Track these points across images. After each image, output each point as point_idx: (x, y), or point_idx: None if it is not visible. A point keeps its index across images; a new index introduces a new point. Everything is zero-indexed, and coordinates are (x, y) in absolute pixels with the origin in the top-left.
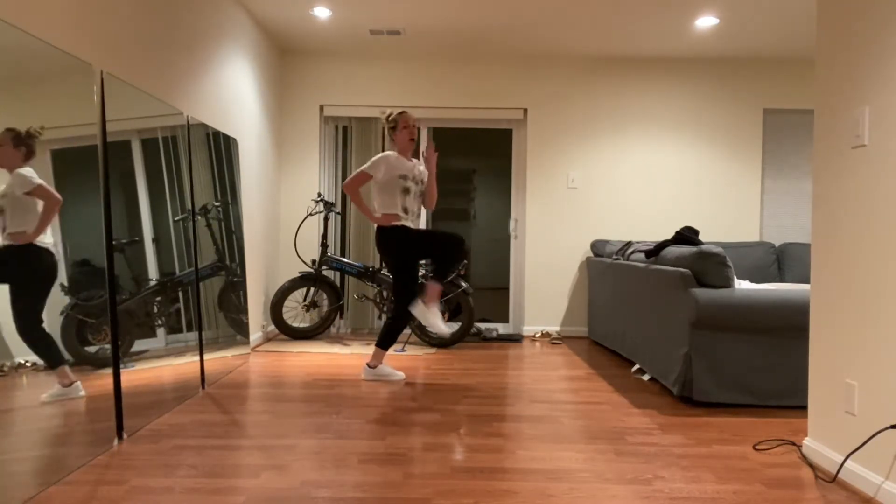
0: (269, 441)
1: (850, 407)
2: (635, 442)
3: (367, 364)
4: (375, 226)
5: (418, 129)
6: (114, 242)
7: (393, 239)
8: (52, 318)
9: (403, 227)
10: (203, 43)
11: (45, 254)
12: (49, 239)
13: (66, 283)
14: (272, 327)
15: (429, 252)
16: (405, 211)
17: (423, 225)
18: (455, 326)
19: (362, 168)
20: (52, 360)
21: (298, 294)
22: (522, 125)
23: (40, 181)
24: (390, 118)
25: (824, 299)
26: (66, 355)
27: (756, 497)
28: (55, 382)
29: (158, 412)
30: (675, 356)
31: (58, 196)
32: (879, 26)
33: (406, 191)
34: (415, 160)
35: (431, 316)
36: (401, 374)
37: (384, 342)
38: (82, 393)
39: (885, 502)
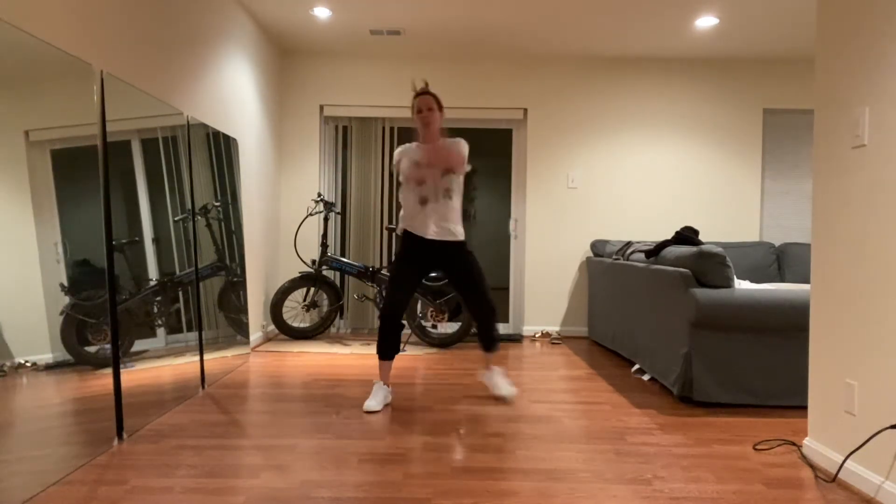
0: (269, 441)
1: (850, 407)
2: (635, 442)
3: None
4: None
5: (436, 107)
6: (114, 242)
7: (400, 242)
8: (52, 317)
9: (407, 233)
10: (203, 43)
11: None
12: None
13: (65, 283)
14: (272, 327)
15: (453, 285)
16: (423, 202)
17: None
18: (455, 326)
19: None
20: None
21: (298, 294)
22: (522, 125)
23: None
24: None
25: (824, 299)
26: (67, 355)
27: (756, 497)
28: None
29: (158, 412)
30: (675, 356)
31: None
32: (879, 26)
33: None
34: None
35: (493, 377)
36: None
37: (379, 350)
38: None
39: (885, 502)
